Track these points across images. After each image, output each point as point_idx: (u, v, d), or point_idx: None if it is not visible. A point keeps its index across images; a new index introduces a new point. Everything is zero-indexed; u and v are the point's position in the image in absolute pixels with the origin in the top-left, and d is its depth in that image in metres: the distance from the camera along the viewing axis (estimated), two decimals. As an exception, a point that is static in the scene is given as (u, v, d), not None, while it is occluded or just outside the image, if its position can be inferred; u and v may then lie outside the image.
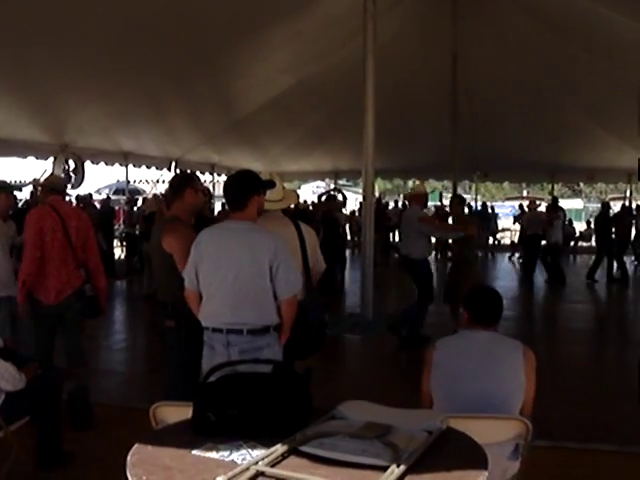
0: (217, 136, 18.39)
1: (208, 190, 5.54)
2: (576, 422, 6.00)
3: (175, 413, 3.04)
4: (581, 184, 39.31)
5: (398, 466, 2.18)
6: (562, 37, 13.96)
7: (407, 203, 9.64)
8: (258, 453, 2.38)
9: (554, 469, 4.53)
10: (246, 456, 2.38)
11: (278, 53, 13.80)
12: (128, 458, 2.41)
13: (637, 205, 25.84)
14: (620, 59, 13.58)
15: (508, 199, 45.55)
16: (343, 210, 17.66)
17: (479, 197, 30.69)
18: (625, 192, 27.14)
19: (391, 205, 28.17)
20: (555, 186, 26.51)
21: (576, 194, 51.53)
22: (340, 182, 28.18)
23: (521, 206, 21.05)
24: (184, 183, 4.93)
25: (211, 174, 22.32)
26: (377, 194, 12.60)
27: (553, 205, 17.45)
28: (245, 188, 4.12)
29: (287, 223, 4.98)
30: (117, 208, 22.97)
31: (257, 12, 11.17)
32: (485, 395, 3.46)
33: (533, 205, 17.97)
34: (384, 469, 2.18)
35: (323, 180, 31.86)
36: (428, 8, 14.42)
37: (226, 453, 2.41)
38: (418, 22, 14.64)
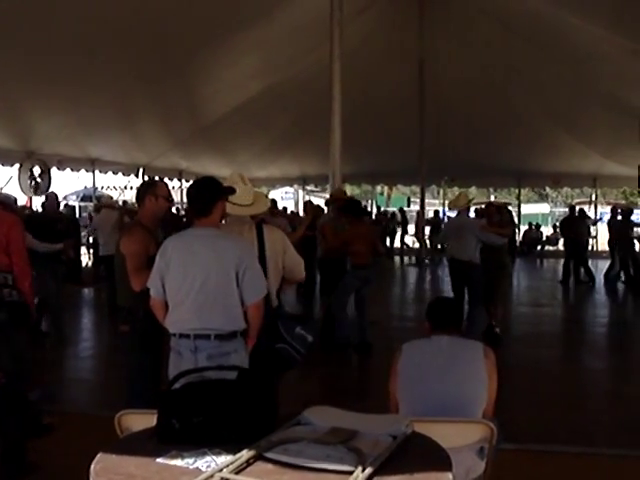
0: (185, 142, 18.34)
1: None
2: (542, 424, 6.06)
3: (140, 421, 3.01)
4: (547, 189, 39.62)
5: (362, 471, 2.19)
6: (528, 44, 14.11)
7: (458, 211, 10.08)
8: (223, 460, 2.37)
9: (519, 471, 4.57)
10: (211, 463, 2.36)
11: (246, 59, 13.81)
12: (92, 467, 2.38)
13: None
14: (583, 64, 13.78)
15: (476, 204, 45.83)
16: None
17: (447, 202, 30.81)
18: (590, 196, 27.47)
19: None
20: (522, 191, 26.75)
21: (543, 198, 52.07)
22: (308, 188, 28.21)
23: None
24: (144, 190, 4.96)
25: (179, 180, 22.23)
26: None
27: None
28: (209, 194, 4.14)
29: (249, 228, 4.97)
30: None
31: (225, 18, 11.17)
32: (449, 395, 3.54)
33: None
34: (349, 474, 2.19)
35: (291, 186, 31.85)
36: (395, 14, 14.52)
37: (191, 460, 2.39)
38: (385, 28, 14.73)
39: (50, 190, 10.58)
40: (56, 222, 9.57)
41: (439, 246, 24.28)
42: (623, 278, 16.50)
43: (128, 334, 4.74)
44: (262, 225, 5.08)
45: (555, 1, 11.69)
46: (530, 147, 19.84)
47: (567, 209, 20.33)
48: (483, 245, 9.56)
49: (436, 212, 26.32)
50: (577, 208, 19.14)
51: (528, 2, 12.36)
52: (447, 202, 10.80)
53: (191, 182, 5.02)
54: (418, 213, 26.11)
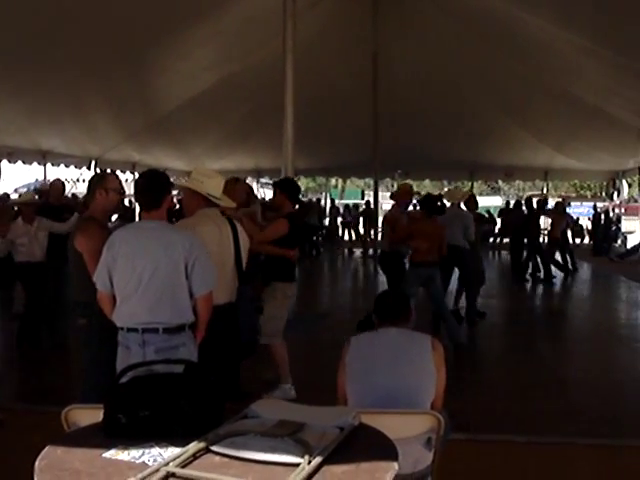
0: (138, 134, 18.12)
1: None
2: (490, 415, 6.14)
3: (87, 415, 2.98)
4: (500, 182, 40.14)
5: (309, 462, 2.20)
6: (480, 38, 14.22)
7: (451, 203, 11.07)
8: (170, 454, 2.36)
9: (468, 461, 4.63)
10: (157, 457, 2.36)
11: (200, 51, 13.68)
12: (36, 463, 2.36)
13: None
14: (535, 60, 13.95)
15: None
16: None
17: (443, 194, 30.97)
18: (542, 189, 27.82)
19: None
20: (475, 183, 26.99)
21: (495, 191, 52.65)
22: (263, 180, 28.17)
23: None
24: (94, 184, 4.89)
25: (132, 173, 21.97)
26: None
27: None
28: (159, 187, 4.12)
29: (224, 222, 5.05)
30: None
31: (178, 9, 11.05)
32: (397, 388, 3.56)
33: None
34: (295, 466, 2.20)
35: (245, 179, 31.76)
36: (349, 7, 14.49)
37: (137, 455, 2.39)
38: (339, 21, 14.70)
39: (56, 178, 10.38)
40: (62, 210, 9.38)
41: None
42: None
43: (86, 328, 4.69)
44: (233, 221, 5.16)
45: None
46: (482, 140, 20.04)
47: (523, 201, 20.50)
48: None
49: (367, 202, 26.11)
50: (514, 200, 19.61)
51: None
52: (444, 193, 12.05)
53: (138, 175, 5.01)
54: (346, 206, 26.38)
